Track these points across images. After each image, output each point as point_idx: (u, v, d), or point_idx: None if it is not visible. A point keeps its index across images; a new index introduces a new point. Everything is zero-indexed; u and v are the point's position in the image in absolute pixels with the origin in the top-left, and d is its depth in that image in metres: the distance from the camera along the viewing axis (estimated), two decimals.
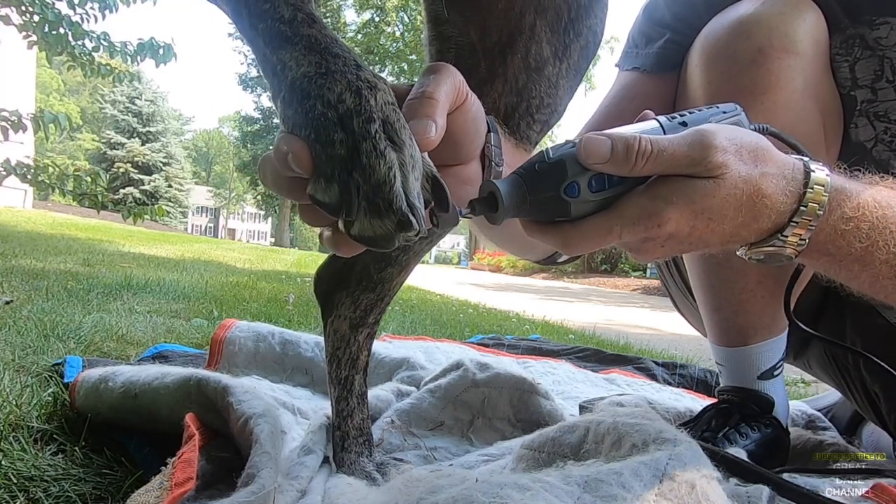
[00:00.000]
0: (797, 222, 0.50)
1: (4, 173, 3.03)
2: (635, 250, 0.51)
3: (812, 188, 0.50)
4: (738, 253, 0.54)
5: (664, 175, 0.48)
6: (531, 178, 0.46)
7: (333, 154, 0.37)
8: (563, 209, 0.46)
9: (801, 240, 0.51)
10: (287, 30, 0.43)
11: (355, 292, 0.78)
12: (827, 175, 0.51)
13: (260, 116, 31.04)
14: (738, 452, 0.77)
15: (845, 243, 0.52)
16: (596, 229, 0.47)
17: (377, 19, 24.19)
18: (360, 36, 23.84)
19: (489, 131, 0.51)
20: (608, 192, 0.47)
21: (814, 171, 0.51)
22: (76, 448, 0.72)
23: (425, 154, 0.42)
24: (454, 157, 0.48)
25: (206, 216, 53.41)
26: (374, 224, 0.37)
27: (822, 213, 0.50)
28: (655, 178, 0.48)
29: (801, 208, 0.50)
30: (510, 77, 0.64)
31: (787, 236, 0.50)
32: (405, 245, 0.46)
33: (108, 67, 3.46)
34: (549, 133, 0.74)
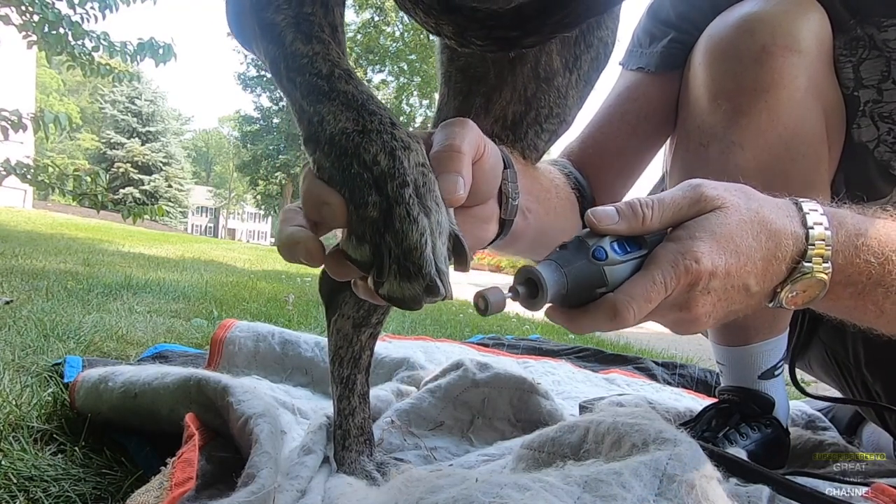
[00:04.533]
0: (813, 244, 0.51)
1: (4, 173, 3.03)
2: (683, 306, 0.49)
3: (807, 212, 0.53)
4: (782, 302, 0.54)
5: (675, 226, 0.50)
6: (560, 257, 0.47)
7: (366, 216, 0.39)
8: (598, 276, 0.47)
9: (824, 261, 0.52)
10: (325, 85, 0.44)
11: None
12: (811, 200, 0.54)
13: (259, 116, 31.02)
14: (739, 452, 0.77)
15: (863, 262, 0.53)
16: (639, 285, 0.47)
17: (377, 19, 24.17)
18: (359, 36, 23.81)
19: (505, 167, 0.52)
20: (632, 254, 0.49)
21: (799, 199, 0.54)
22: (76, 448, 0.72)
23: (451, 210, 0.43)
24: (473, 200, 0.49)
25: (206, 216, 53.39)
26: (403, 287, 0.39)
27: (829, 232, 0.52)
28: (670, 231, 0.51)
29: (810, 230, 0.51)
30: (519, 86, 0.64)
31: (811, 259, 0.51)
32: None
33: (108, 67, 3.46)
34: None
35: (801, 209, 0.53)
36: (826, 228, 0.52)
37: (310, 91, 0.44)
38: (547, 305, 0.47)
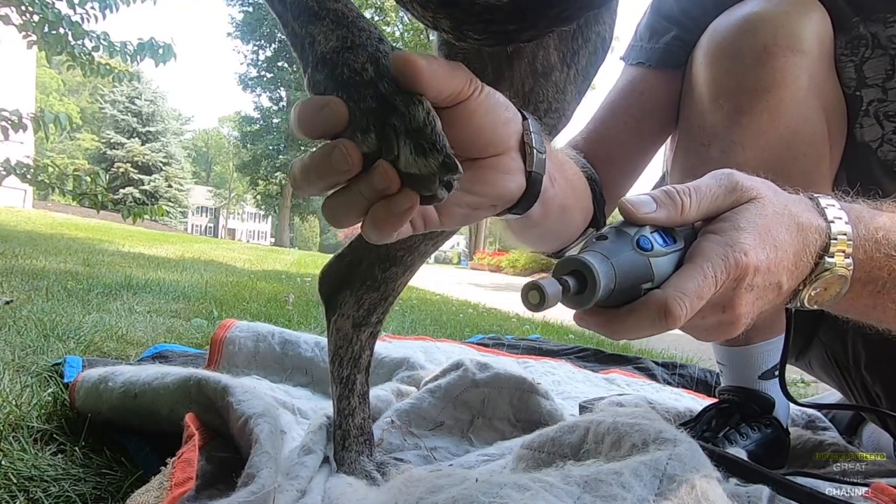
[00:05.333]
0: (835, 239, 0.49)
1: (4, 173, 3.03)
2: (727, 305, 0.46)
3: (826, 207, 0.51)
4: (803, 301, 0.51)
5: (713, 218, 0.48)
6: (603, 247, 0.42)
7: (366, 107, 0.39)
8: (646, 270, 0.43)
9: (846, 257, 0.50)
10: (314, 4, 0.44)
11: (359, 291, 0.78)
12: (827, 196, 0.52)
13: (259, 116, 31.07)
14: (739, 452, 0.77)
15: (883, 256, 0.51)
16: (690, 279, 0.43)
17: (377, 19, 24.18)
18: None
19: (525, 118, 0.49)
20: (675, 246, 0.45)
21: (814, 194, 0.52)
22: (76, 448, 0.72)
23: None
24: (484, 149, 0.46)
25: (206, 216, 53.39)
26: (419, 161, 0.38)
27: (849, 226, 0.50)
28: (709, 224, 0.48)
29: (831, 224, 0.50)
30: (517, 81, 0.63)
31: (833, 255, 0.49)
32: (422, 237, 0.45)
33: (108, 67, 3.46)
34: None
35: (818, 204, 0.51)
36: (846, 223, 0.50)
37: (300, 12, 0.44)
38: (587, 306, 0.41)
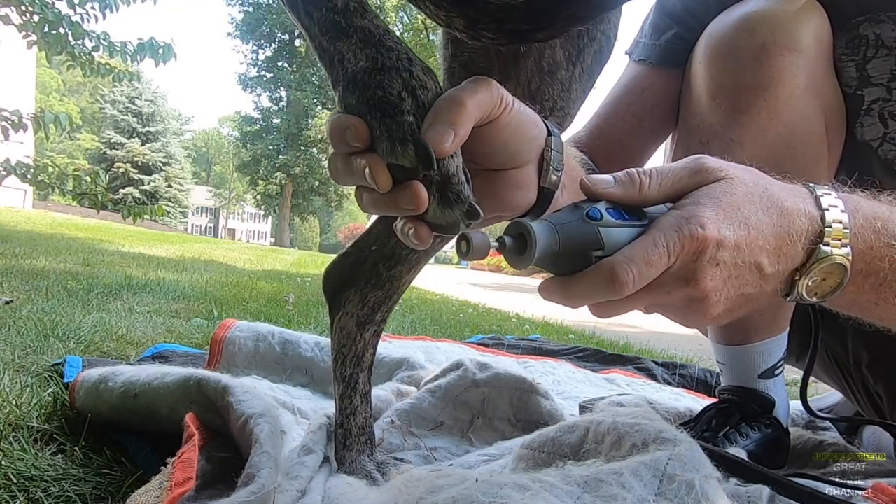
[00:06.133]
0: (830, 226, 0.49)
1: (4, 173, 3.03)
2: (690, 278, 0.45)
3: (821, 195, 0.50)
4: (801, 292, 0.50)
5: (677, 199, 0.48)
6: (553, 217, 0.45)
7: (403, 121, 0.41)
8: (593, 237, 0.44)
9: (843, 245, 0.49)
10: (341, 20, 0.45)
11: (364, 290, 0.78)
12: (823, 185, 0.52)
13: (259, 116, 31.05)
14: (739, 452, 0.77)
15: (884, 245, 0.51)
16: (639, 247, 0.44)
17: None
18: None
19: (550, 135, 0.51)
20: (631, 221, 0.46)
21: (810, 183, 0.51)
22: (76, 448, 0.72)
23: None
24: (504, 163, 0.48)
25: (206, 216, 53.39)
26: (445, 213, 0.41)
27: (845, 214, 0.49)
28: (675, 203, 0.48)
29: (825, 212, 0.49)
30: (523, 80, 0.63)
31: (828, 243, 0.48)
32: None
33: (108, 67, 3.46)
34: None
35: (812, 192, 0.50)
36: (842, 211, 0.49)
37: (328, 27, 0.45)
38: (533, 262, 0.44)
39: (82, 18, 3.30)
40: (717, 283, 0.46)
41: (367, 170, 0.41)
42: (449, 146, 0.41)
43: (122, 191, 28.54)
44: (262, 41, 29.73)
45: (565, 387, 1.35)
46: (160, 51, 3.39)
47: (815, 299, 0.51)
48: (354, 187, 0.44)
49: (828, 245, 0.48)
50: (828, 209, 0.49)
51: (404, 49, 0.44)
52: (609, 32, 0.65)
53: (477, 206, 0.41)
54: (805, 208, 0.49)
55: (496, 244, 0.43)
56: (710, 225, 0.44)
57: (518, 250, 0.43)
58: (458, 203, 0.41)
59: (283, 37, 29.03)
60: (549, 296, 0.47)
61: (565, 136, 0.76)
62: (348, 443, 0.77)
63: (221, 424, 0.72)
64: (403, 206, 0.41)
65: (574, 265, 0.45)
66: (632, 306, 0.47)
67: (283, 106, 30.70)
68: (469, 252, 0.42)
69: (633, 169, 0.48)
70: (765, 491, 0.61)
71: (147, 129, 31.20)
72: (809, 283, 0.50)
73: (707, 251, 0.45)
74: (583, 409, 1.06)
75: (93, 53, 3.36)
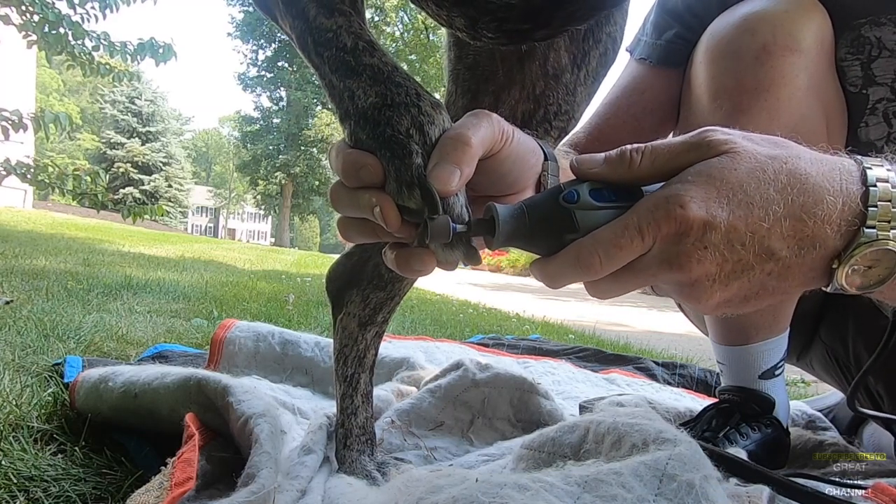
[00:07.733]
0: (875, 206, 0.42)
1: (4, 173, 3.03)
2: (674, 262, 0.41)
3: (869, 167, 0.43)
4: (841, 282, 0.44)
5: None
6: (531, 202, 0.44)
7: (411, 164, 0.41)
8: (567, 220, 0.42)
9: (892, 226, 0.42)
10: (351, 59, 0.46)
11: (366, 290, 0.78)
12: (876, 156, 0.45)
13: (259, 116, 31.07)
14: (739, 452, 0.77)
15: None
16: (608, 229, 0.42)
17: (377, 19, 24.19)
18: None
19: (546, 160, 0.50)
20: (614, 202, 0.43)
21: (860, 155, 0.45)
22: (76, 448, 0.72)
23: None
24: (502, 190, 0.48)
25: (206, 216, 53.38)
26: (445, 253, 0.42)
27: None
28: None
29: (871, 189, 0.42)
30: (528, 83, 0.63)
31: (874, 225, 0.42)
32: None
33: (108, 67, 3.46)
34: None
35: (860, 164, 0.44)
36: (894, 187, 0.42)
37: (338, 66, 0.46)
38: (502, 243, 0.43)
39: (82, 18, 3.30)
40: (709, 267, 0.41)
41: (376, 208, 0.41)
42: (454, 187, 0.41)
43: (122, 191, 28.53)
44: (262, 41, 29.73)
45: (565, 387, 1.35)
46: (160, 51, 3.39)
47: (855, 291, 0.45)
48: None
49: (872, 228, 0.42)
50: (875, 185, 0.42)
51: (413, 85, 0.45)
52: (614, 35, 0.65)
53: (477, 249, 0.43)
54: (840, 185, 0.42)
55: (463, 227, 0.41)
56: (692, 204, 0.40)
57: (488, 231, 0.43)
58: (458, 244, 0.42)
59: (283, 37, 28.99)
60: (533, 275, 0.46)
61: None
62: (349, 443, 0.77)
63: (221, 424, 0.72)
64: (415, 269, 0.43)
65: (551, 247, 0.44)
66: (620, 288, 0.44)
67: (284, 106, 30.71)
68: (429, 238, 0.40)
69: (627, 146, 0.45)
70: (765, 491, 0.61)
71: (147, 129, 31.18)
72: (849, 272, 0.43)
73: (690, 233, 0.41)
74: (583, 409, 1.06)
75: (93, 53, 3.35)
